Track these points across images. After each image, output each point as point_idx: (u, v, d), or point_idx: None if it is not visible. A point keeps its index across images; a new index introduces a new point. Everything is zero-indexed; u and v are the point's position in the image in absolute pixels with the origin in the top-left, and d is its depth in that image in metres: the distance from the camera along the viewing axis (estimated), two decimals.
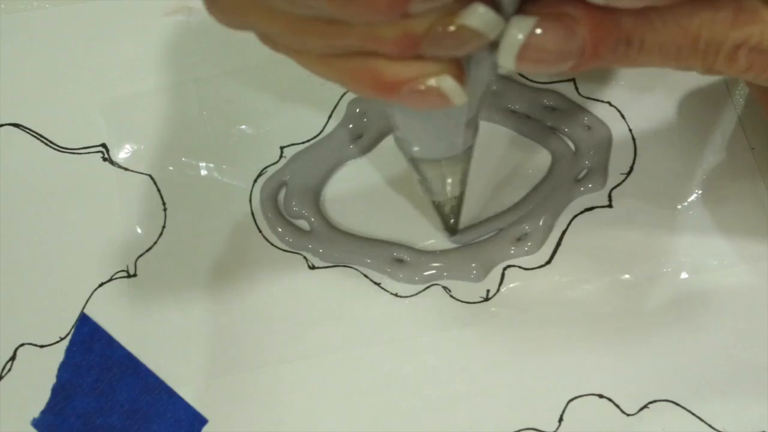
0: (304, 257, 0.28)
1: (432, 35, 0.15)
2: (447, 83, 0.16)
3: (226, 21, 0.17)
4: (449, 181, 0.24)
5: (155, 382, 0.27)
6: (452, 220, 0.27)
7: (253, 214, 0.28)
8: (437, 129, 0.20)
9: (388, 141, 0.29)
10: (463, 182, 0.24)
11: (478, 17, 0.15)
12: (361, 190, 0.29)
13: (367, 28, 0.15)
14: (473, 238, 0.28)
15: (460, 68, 0.16)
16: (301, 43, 0.17)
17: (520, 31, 0.15)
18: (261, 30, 0.17)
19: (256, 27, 0.17)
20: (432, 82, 0.16)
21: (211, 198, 0.29)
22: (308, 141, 0.29)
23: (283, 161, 0.29)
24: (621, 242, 0.28)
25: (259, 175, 0.29)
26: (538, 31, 0.16)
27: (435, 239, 0.28)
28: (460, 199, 0.26)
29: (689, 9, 0.17)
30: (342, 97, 0.30)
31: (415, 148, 0.22)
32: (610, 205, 0.28)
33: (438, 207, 0.26)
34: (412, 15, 0.15)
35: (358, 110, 0.29)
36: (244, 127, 0.29)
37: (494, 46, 0.16)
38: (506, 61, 0.16)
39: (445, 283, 0.28)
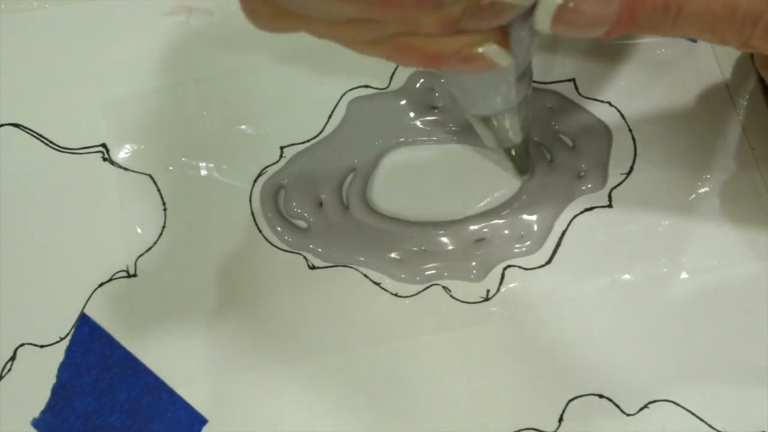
0: (304, 257, 0.28)
1: (469, 13, 0.15)
2: (491, 49, 0.16)
3: (267, 28, 0.17)
4: (510, 131, 0.24)
5: (155, 382, 0.27)
6: (521, 162, 0.27)
7: (253, 214, 0.28)
8: (489, 89, 0.21)
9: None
10: (525, 128, 0.25)
11: None
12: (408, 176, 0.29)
13: (404, 20, 0.16)
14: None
15: (503, 33, 0.16)
16: (344, 37, 0.17)
17: None
18: (304, 32, 0.17)
19: (298, 31, 0.17)
20: (478, 50, 0.16)
21: (211, 198, 0.29)
22: (308, 141, 0.29)
23: (283, 161, 0.29)
24: (621, 242, 0.28)
25: (259, 175, 0.29)
26: None
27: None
28: (525, 143, 0.26)
29: None
30: (342, 97, 0.30)
31: (474, 107, 0.23)
32: (610, 205, 0.28)
33: (506, 152, 0.26)
34: (444, 4, 0.15)
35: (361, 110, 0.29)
36: (244, 127, 0.29)
37: (532, 10, 0.16)
38: (542, 23, 0.16)
39: (445, 283, 0.28)
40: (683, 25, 0.17)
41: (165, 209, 0.29)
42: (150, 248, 0.28)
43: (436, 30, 0.16)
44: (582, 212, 0.28)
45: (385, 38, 0.17)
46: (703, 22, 0.17)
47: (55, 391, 0.27)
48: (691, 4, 0.17)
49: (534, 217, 0.28)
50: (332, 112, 0.30)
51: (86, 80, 0.30)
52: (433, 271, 0.28)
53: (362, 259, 0.28)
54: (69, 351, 0.27)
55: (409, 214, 0.28)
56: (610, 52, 0.29)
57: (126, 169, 0.29)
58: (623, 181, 0.28)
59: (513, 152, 0.26)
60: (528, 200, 0.28)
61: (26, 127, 0.30)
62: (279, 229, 0.28)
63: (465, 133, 0.29)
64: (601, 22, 0.16)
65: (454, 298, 0.27)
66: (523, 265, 0.28)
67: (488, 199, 0.28)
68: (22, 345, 0.27)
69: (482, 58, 0.17)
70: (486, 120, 0.24)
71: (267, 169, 0.29)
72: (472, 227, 0.28)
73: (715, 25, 0.17)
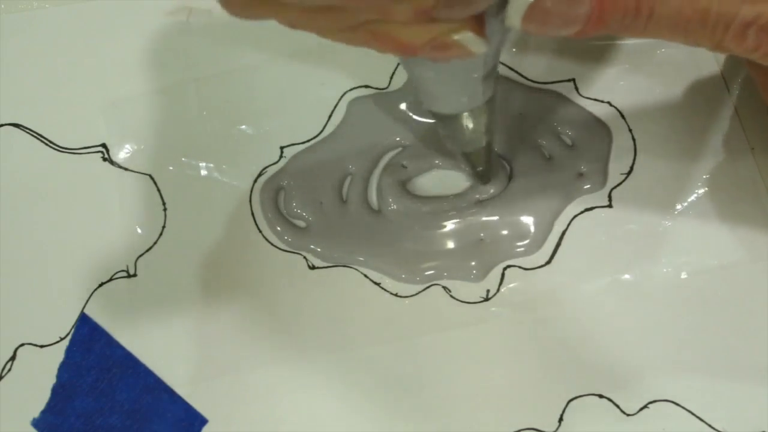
0: (304, 257, 0.28)
1: (442, 2, 0.15)
2: (467, 36, 0.16)
3: (241, 15, 0.17)
4: (474, 133, 0.24)
5: (155, 382, 0.27)
6: (481, 169, 0.27)
7: (253, 214, 0.28)
8: (456, 84, 0.21)
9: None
10: (489, 132, 0.25)
11: None
12: None
13: (378, 8, 0.16)
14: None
15: (478, 21, 0.16)
16: (319, 26, 0.17)
17: None
18: (277, 20, 0.17)
19: (271, 18, 0.17)
20: (454, 37, 0.16)
21: (211, 198, 0.29)
22: (308, 141, 0.29)
23: (283, 161, 0.29)
24: (621, 242, 0.28)
25: (259, 175, 0.29)
26: None
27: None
28: (488, 149, 0.26)
29: None
30: (342, 97, 0.30)
31: (438, 104, 0.23)
32: (610, 205, 0.28)
33: (467, 157, 0.26)
34: None
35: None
36: (244, 127, 0.29)
37: (505, 3, 0.16)
38: (513, 20, 0.16)
39: (445, 283, 0.28)
40: (655, 28, 0.17)
41: (165, 209, 0.29)
42: (150, 248, 0.28)
43: (409, 18, 0.16)
44: (582, 212, 0.28)
45: (360, 26, 0.17)
46: (675, 25, 0.17)
47: (55, 391, 0.27)
48: (663, 8, 0.17)
49: (533, 217, 0.28)
50: (332, 112, 0.29)
51: (86, 80, 0.30)
52: (433, 271, 0.28)
53: (362, 259, 0.28)
54: (69, 351, 0.27)
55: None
56: (610, 52, 0.29)
57: (126, 169, 0.29)
58: (623, 181, 0.28)
59: (475, 158, 0.26)
60: (528, 200, 0.28)
61: (26, 127, 0.30)
62: (279, 229, 0.28)
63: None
64: (571, 23, 0.17)
65: (454, 298, 0.27)
66: (523, 265, 0.28)
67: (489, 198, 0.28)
68: (22, 345, 0.27)
69: (458, 45, 0.16)
70: (449, 119, 0.23)
71: (267, 169, 0.29)
72: (470, 207, 0.28)
73: (687, 28, 0.17)
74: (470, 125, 0.24)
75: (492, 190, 0.28)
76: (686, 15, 0.17)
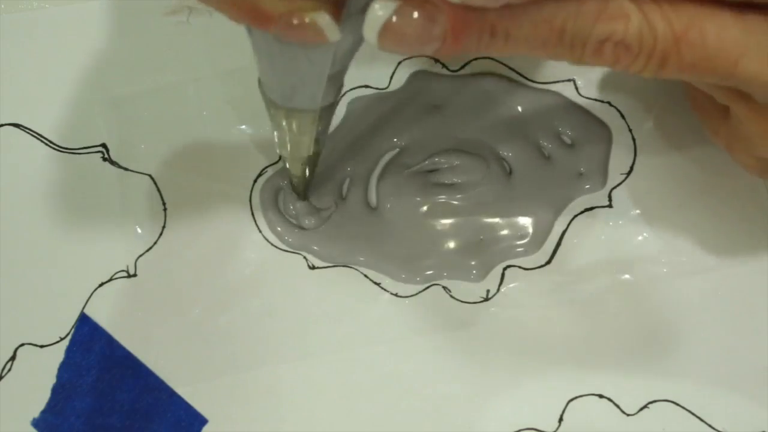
0: (304, 257, 0.28)
1: None
2: (323, 20, 0.16)
3: None
4: (302, 137, 0.23)
5: (155, 382, 0.27)
6: (300, 182, 0.27)
7: (253, 214, 0.28)
8: (299, 74, 0.20)
9: None
10: (318, 143, 0.24)
11: None
12: None
13: None
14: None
15: (336, 6, 0.16)
16: None
17: (381, 9, 0.16)
18: None
19: None
20: (309, 18, 0.16)
21: (212, 198, 0.29)
22: None
23: (283, 161, 0.29)
24: (621, 242, 0.28)
25: (259, 174, 0.29)
26: (396, 16, 0.16)
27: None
28: (312, 161, 0.25)
29: (554, 3, 0.17)
30: (341, 97, 0.30)
31: (275, 91, 0.22)
32: (610, 205, 0.28)
33: (290, 163, 0.26)
34: None
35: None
36: (244, 127, 0.29)
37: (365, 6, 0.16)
38: (369, 36, 0.16)
39: (445, 283, 0.28)
40: (514, 47, 0.18)
41: (165, 209, 0.29)
42: (150, 248, 0.28)
43: None
44: (582, 212, 0.28)
45: None
46: (533, 44, 0.18)
47: (55, 391, 0.27)
48: (518, 30, 0.17)
49: (533, 218, 0.28)
50: None
51: (86, 80, 0.30)
52: (432, 271, 0.28)
53: (362, 259, 0.28)
54: (69, 351, 0.27)
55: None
56: None
57: (126, 169, 0.29)
58: (623, 181, 0.28)
59: (296, 167, 0.25)
60: (528, 200, 0.28)
61: (26, 127, 0.30)
62: (279, 229, 0.28)
63: (465, 132, 0.29)
64: (426, 43, 0.17)
65: (454, 298, 0.27)
66: (523, 265, 0.28)
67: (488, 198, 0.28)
68: (22, 345, 0.27)
69: (312, 27, 0.16)
70: (281, 113, 0.22)
71: (267, 169, 0.29)
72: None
73: (545, 46, 0.18)
74: (301, 127, 0.23)
75: (491, 191, 0.28)
76: (543, 35, 0.17)
